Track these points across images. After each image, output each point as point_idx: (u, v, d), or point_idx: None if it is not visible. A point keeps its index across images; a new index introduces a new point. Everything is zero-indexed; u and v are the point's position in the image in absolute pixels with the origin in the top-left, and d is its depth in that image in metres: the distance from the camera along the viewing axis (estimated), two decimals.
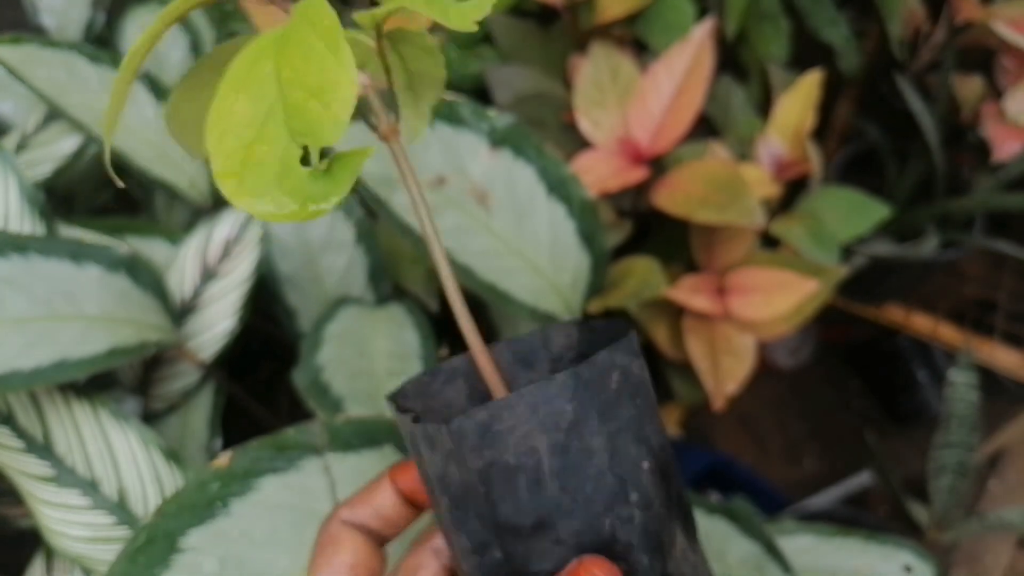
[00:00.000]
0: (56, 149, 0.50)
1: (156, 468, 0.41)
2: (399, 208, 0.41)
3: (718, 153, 0.57)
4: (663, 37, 0.63)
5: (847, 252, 0.80)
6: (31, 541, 0.48)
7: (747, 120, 0.66)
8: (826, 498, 0.99)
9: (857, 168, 0.88)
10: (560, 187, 0.45)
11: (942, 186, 0.82)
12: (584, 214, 0.46)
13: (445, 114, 0.42)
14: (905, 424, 1.13)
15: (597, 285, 0.47)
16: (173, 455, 0.42)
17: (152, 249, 0.50)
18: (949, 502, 0.82)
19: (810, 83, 0.62)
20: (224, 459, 0.37)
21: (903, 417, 1.12)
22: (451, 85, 0.63)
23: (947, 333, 0.90)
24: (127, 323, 0.42)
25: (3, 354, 0.37)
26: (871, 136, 0.87)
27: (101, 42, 0.59)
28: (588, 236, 0.46)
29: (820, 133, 0.89)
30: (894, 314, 0.91)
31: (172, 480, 0.41)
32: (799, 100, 0.62)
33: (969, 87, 0.81)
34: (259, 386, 0.62)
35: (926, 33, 0.82)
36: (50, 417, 0.41)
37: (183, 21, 0.60)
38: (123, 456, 0.41)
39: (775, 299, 0.55)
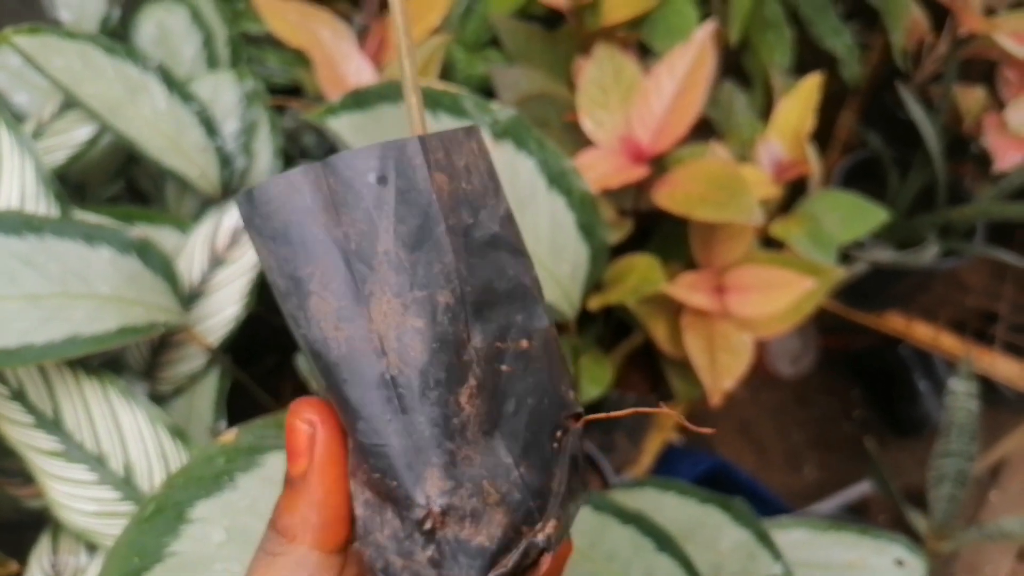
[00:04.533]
0: (70, 137, 0.52)
1: (162, 445, 0.42)
2: None
3: (718, 153, 0.58)
4: (666, 40, 0.64)
5: (848, 258, 0.81)
6: (36, 523, 0.49)
7: (748, 122, 0.67)
8: (826, 506, 0.99)
9: (859, 177, 0.89)
10: (560, 179, 0.46)
11: (944, 195, 0.83)
12: (584, 206, 0.47)
13: (449, 106, 0.43)
14: (905, 433, 1.13)
15: (596, 277, 0.48)
16: (179, 433, 0.43)
17: (162, 236, 0.52)
18: (949, 511, 0.82)
19: (810, 86, 0.63)
20: (230, 435, 0.38)
21: (903, 426, 1.12)
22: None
23: (948, 342, 0.91)
24: (137, 304, 0.43)
25: (17, 328, 0.39)
26: (874, 145, 0.88)
27: (116, 37, 0.60)
28: (587, 228, 0.47)
29: (823, 142, 0.90)
30: (895, 323, 0.92)
31: (177, 457, 0.42)
32: (799, 103, 0.63)
33: (972, 98, 0.82)
34: (264, 375, 0.63)
35: (929, 44, 0.83)
36: (60, 393, 0.42)
37: (196, 18, 0.61)
38: (130, 433, 0.42)
39: (773, 297, 0.56)
